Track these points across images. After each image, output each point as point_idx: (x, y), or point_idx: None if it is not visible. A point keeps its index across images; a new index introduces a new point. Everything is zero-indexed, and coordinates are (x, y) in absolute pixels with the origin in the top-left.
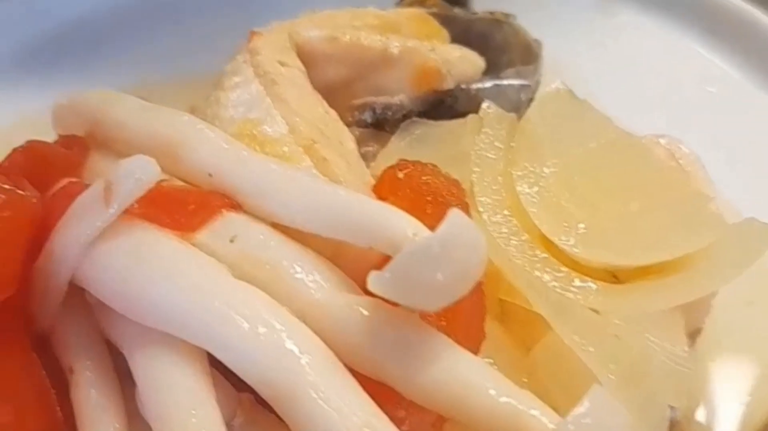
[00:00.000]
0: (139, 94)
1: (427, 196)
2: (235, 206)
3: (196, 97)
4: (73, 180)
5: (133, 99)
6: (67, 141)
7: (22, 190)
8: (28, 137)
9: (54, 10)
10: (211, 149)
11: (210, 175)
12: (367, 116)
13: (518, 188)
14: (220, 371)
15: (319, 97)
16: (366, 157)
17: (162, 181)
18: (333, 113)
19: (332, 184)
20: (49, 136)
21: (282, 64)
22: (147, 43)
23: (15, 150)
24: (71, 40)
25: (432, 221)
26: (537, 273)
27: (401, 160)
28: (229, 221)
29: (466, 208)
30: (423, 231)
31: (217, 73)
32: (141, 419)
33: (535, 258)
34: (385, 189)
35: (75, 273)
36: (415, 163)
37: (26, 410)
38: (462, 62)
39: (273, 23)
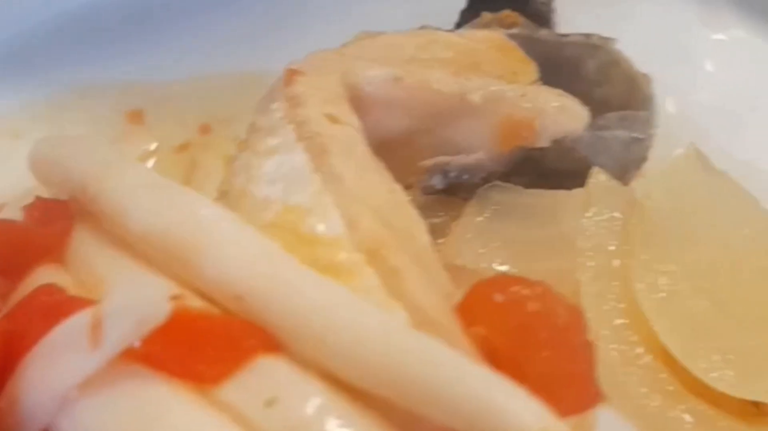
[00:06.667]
0: (142, 93)
1: (538, 332)
2: (274, 347)
3: (207, 101)
4: (49, 285)
5: (138, 168)
6: (48, 208)
7: None
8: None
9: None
10: (239, 262)
11: (238, 298)
12: (437, 181)
13: (637, 290)
14: None
15: (381, 166)
16: (432, 231)
17: (175, 298)
18: (399, 191)
19: (415, 332)
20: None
21: (333, 120)
22: (153, 39)
23: None
24: (68, 34)
25: (549, 371)
26: (670, 413)
27: (500, 275)
28: (267, 371)
29: (591, 351)
30: (551, 424)
31: (233, 76)
32: None
33: (667, 391)
34: (474, 312)
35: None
36: (519, 280)
37: None
38: (561, 114)
39: (315, 53)
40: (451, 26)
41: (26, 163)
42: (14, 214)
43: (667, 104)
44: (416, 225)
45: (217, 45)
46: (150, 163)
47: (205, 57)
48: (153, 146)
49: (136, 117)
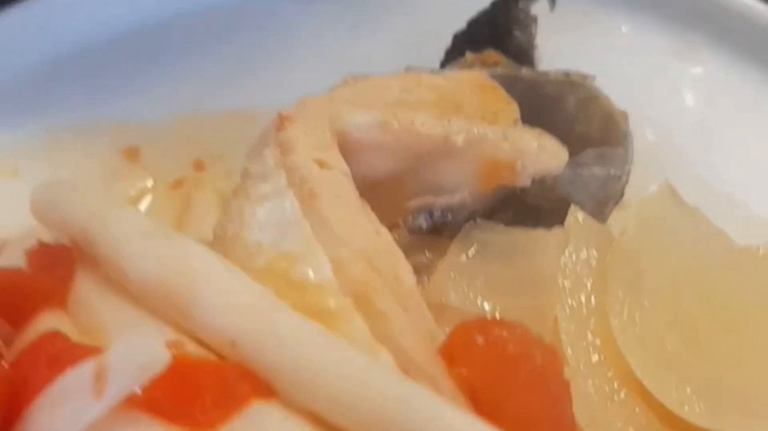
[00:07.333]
0: (138, 131)
1: (517, 374)
2: (268, 393)
3: (200, 138)
4: (53, 332)
5: (134, 215)
6: (50, 253)
7: None
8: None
9: (55, 35)
10: (233, 309)
11: (232, 344)
12: (423, 221)
13: (613, 326)
14: None
15: (368, 209)
16: (418, 270)
17: (173, 344)
18: (385, 233)
19: (399, 377)
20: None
21: (321, 164)
22: (147, 78)
23: None
24: (65, 74)
25: (527, 412)
26: None
27: (481, 318)
28: (260, 417)
29: (568, 391)
30: None
31: (225, 114)
32: None
33: (641, 424)
34: (457, 354)
35: None
36: (499, 323)
37: None
38: (541, 154)
39: (306, 99)
40: (436, 65)
41: (25, 201)
42: (16, 253)
43: (647, 138)
44: (402, 267)
45: (209, 84)
46: (146, 200)
47: (198, 95)
48: (149, 183)
49: (132, 154)
